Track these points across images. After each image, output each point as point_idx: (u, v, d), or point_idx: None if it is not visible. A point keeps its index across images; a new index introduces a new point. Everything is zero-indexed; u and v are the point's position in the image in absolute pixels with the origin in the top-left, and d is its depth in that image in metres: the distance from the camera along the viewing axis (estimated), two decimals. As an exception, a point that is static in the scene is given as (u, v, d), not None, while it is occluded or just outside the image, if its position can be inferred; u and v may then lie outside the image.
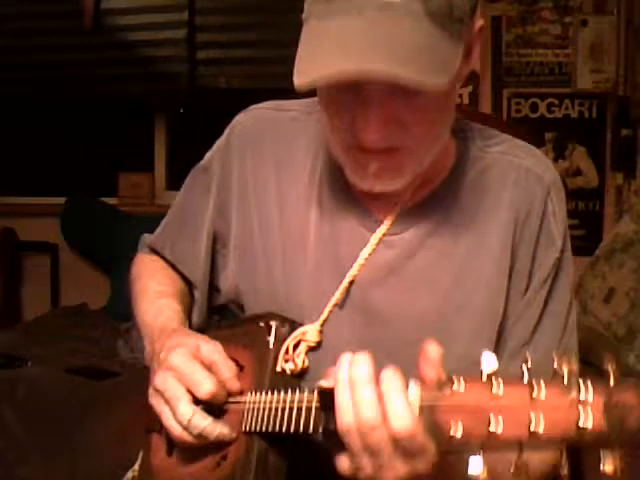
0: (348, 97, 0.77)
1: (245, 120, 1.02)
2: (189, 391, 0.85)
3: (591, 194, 2.80)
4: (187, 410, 0.84)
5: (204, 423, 0.84)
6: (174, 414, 0.85)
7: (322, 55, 0.72)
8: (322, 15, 0.73)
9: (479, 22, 0.80)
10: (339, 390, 0.68)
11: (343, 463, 0.70)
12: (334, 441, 0.69)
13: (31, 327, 2.81)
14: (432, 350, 0.67)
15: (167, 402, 0.85)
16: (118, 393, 2.05)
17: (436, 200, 0.91)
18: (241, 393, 0.89)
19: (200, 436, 0.85)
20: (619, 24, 2.75)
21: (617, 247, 2.29)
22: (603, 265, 2.31)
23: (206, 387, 0.84)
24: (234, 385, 0.88)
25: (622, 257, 2.24)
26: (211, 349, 0.88)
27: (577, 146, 2.81)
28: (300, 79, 0.72)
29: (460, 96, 2.81)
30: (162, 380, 0.86)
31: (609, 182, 2.80)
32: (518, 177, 0.91)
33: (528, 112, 2.84)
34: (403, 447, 0.65)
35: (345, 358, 0.70)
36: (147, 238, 1.14)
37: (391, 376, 0.67)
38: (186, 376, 0.85)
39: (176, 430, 0.85)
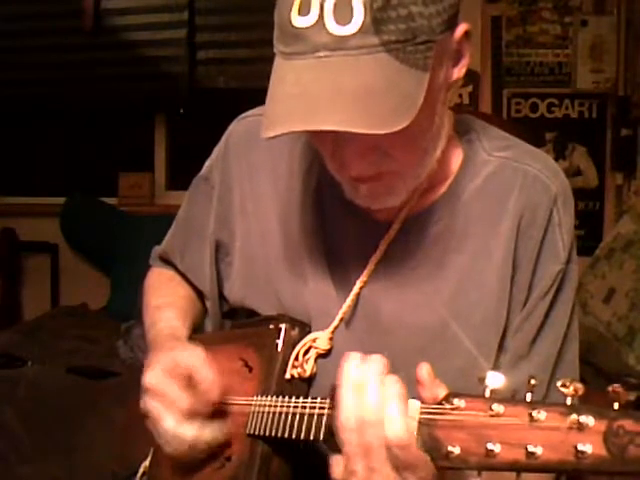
0: (325, 130, 0.74)
1: (240, 128, 1.01)
2: (170, 408, 0.86)
3: (591, 194, 2.80)
4: (169, 425, 0.85)
5: (189, 435, 0.86)
6: (159, 434, 0.87)
7: (278, 103, 0.70)
8: (283, 54, 0.71)
9: (462, 27, 0.75)
10: (345, 385, 0.69)
11: (336, 467, 0.69)
12: (337, 449, 0.69)
13: (31, 327, 2.81)
14: (423, 371, 0.67)
15: (152, 423, 0.87)
16: (118, 393, 2.05)
17: (442, 205, 0.89)
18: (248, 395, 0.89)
19: (190, 447, 0.86)
20: (619, 24, 2.75)
21: (617, 247, 2.29)
22: (603, 265, 2.31)
23: (182, 404, 0.85)
24: (210, 388, 0.85)
25: (622, 257, 2.24)
26: (189, 355, 0.87)
27: (577, 146, 2.81)
28: (262, 130, 0.70)
29: (460, 96, 2.81)
30: (143, 404, 0.88)
31: (609, 182, 2.80)
32: (524, 184, 0.87)
33: (528, 112, 2.84)
34: (395, 456, 0.65)
35: (354, 356, 0.70)
36: (157, 250, 1.14)
37: (393, 382, 0.67)
38: (160, 396, 0.86)
39: (167, 448, 0.87)
